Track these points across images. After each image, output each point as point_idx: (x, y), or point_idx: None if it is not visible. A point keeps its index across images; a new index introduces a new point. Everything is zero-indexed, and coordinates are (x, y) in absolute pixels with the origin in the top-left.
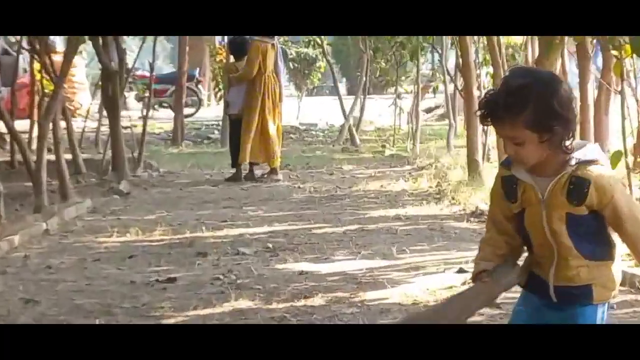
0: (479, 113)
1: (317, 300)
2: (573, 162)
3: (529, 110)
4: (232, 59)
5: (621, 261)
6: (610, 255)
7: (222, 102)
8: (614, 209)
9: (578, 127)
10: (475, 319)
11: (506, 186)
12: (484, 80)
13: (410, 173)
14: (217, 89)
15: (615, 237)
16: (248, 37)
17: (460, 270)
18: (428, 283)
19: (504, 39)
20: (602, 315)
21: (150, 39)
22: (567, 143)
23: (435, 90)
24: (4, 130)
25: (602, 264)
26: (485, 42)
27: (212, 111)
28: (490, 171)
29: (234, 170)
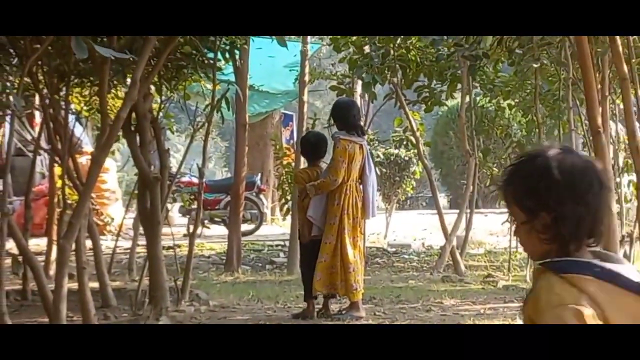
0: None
1: None
2: (546, 264)
3: (513, 186)
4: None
5: None
6: None
7: (289, 218)
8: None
9: None
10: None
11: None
12: (626, 191)
13: None
14: (283, 201)
15: None
16: (334, 134)
17: None
18: None
19: None
20: None
21: (199, 136)
22: (567, 240)
23: None
24: (16, 251)
25: None
26: (627, 144)
27: (276, 228)
28: None
29: (304, 305)
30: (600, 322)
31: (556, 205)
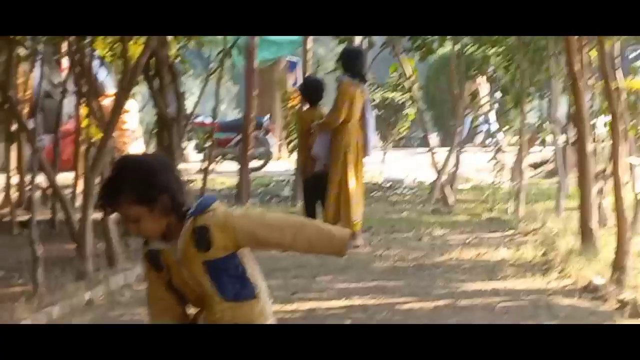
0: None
1: None
2: (188, 217)
3: (128, 190)
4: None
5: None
6: (255, 294)
7: (294, 155)
8: (245, 233)
9: None
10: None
11: (152, 260)
12: (600, 132)
13: (512, 239)
14: (288, 139)
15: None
16: (339, 77)
17: None
18: None
19: (624, 84)
20: None
21: (213, 81)
22: (180, 207)
23: (543, 143)
24: (45, 184)
25: (246, 303)
26: (603, 87)
27: (282, 164)
28: (607, 239)
29: None
30: None
31: (167, 185)
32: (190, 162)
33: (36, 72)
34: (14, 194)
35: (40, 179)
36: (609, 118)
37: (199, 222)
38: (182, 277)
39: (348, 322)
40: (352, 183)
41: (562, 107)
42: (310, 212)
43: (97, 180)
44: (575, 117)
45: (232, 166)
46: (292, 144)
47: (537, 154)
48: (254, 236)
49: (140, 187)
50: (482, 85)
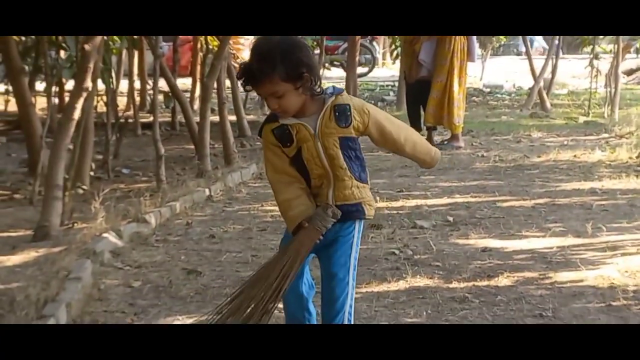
0: (239, 82)
1: (502, 281)
2: (329, 95)
3: (279, 66)
4: None
5: None
6: (367, 180)
7: (398, 62)
8: (376, 121)
9: None
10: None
11: (279, 136)
12: None
13: (607, 142)
14: (393, 47)
15: None
16: None
17: None
18: (627, 265)
19: None
20: (362, 228)
21: None
22: (317, 86)
23: (638, 51)
24: (166, 88)
25: (365, 186)
26: None
27: (387, 71)
28: None
29: None
30: None
31: (311, 63)
32: None
33: None
34: (137, 98)
35: (161, 84)
36: None
37: (340, 100)
38: (313, 152)
39: (451, 219)
40: (455, 87)
41: None
42: (414, 115)
43: (214, 85)
44: None
45: (340, 72)
46: (396, 52)
47: (631, 61)
48: (382, 127)
49: (290, 64)
50: None
